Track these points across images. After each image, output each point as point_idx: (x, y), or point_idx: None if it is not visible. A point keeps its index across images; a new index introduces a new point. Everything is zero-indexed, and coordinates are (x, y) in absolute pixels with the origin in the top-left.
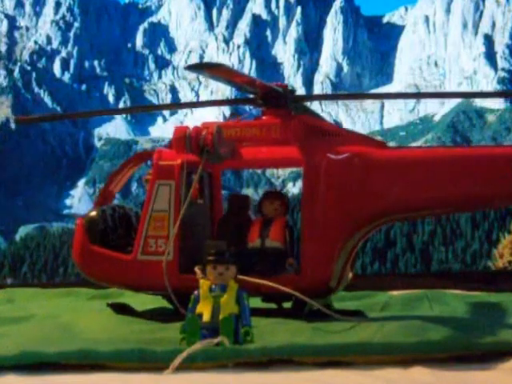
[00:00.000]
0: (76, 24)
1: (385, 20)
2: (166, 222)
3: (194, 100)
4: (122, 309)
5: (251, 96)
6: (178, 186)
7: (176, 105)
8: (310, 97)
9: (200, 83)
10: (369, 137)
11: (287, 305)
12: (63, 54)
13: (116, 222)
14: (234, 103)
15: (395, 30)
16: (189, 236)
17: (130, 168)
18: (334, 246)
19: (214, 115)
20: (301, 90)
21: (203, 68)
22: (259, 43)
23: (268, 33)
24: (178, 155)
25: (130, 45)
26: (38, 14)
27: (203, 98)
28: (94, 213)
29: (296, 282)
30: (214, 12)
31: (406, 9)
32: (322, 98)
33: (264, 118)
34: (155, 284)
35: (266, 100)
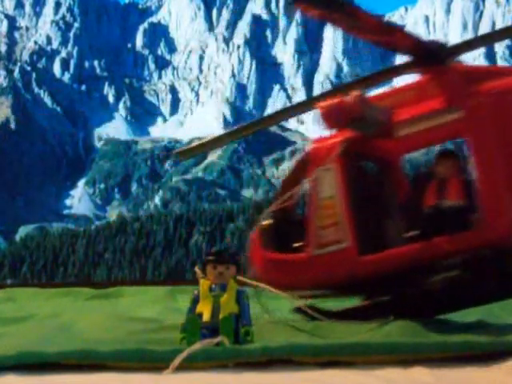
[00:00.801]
0: (76, 24)
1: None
2: (334, 208)
3: (194, 100)
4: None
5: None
6: (339, 168)
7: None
8: (465, 45)
9: (200, 83)
10: None
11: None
12: (63, 54)
13: (290, 227)
14: (391, 74)
15: None
16: (367, 218)
17: (302, 169)
18: None
19: (213, 116)
20: (301, 90)
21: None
22: (259, 43)
23: (268, 33)
24: (334, 138)
25: (129, 45)
26: (37, 15)
27: (203, 98)
28: (266, 221)
29: (475, 238)
30: (214, 12)
31: (406, 9)
32: (475, 45)
33: (420, 78)
34: (336, 276)
35: (421, 59)
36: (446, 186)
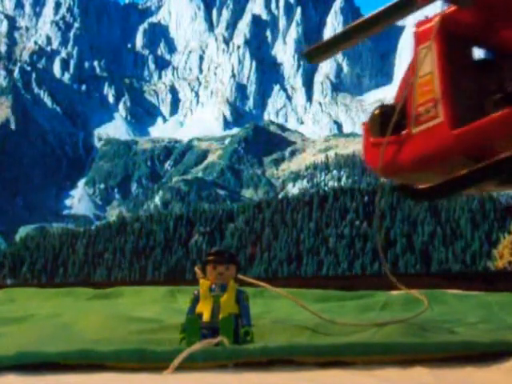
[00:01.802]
0: (76, 24)
1: None
2: (432, 83)
3: (194, 100)
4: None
5: None
6: (438, 44)
7: None
8: None
9: (200, 83)
10: None
11: None
12: (63, 54)
13: (397, 116)
14: None
15: (395, 31)
16: (466, 95)
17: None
18: None
19: (213, 116)
20: (301, 91)
21: None
22: (259, 43)
23: (268, 33)
24: (436, 17)
25: (129, 45)
26: (37, 15)
27: (203, 98)
28: (377, 111)
29: None
30: (214, 12)
31: None
32: None
33: None
34: (433, 153)
35: None
36: None
